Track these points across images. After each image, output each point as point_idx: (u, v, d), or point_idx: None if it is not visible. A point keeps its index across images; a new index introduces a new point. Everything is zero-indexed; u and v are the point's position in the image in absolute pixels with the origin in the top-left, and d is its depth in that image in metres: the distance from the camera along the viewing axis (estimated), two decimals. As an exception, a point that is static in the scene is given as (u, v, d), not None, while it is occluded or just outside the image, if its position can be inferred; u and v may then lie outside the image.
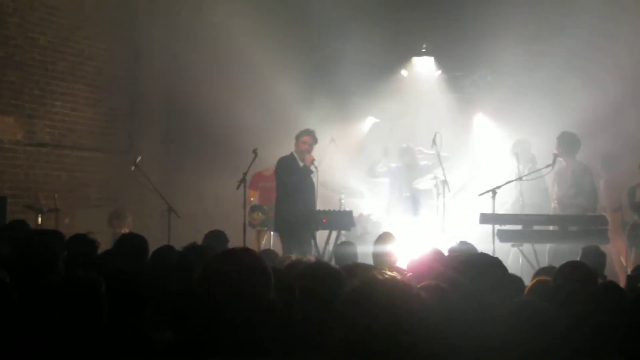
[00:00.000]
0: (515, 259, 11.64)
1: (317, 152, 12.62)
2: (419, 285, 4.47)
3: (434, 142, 12.44)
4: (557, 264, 7.03)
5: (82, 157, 15.13)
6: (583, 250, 8.87)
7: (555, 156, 11.73)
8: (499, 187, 11.41)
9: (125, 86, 16.40)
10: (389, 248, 8.64)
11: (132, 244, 7.60)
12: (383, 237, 8.94)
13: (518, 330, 4.34)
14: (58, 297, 4.37)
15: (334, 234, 11.90)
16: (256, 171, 14.07)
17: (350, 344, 3.28)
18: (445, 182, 12.35)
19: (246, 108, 15.77)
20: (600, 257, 8.65)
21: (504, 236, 11.10)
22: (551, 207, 12.35)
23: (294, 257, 7.56)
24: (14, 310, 4.62)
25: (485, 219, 11.11)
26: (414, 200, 13.38)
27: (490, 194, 11.31)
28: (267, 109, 16.24)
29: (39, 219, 12.53)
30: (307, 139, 12.29)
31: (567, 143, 11.99)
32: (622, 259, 12.40)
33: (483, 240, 10.71)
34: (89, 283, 4.47)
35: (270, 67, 15.38)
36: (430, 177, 13.10)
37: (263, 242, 14.10)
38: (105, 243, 10.08)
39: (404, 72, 16.41)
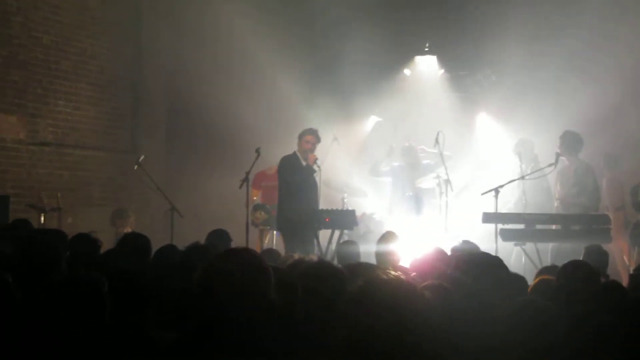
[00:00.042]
0: (518, 258, 11.63)
1: (319, 150, 12.61)
2: (422, 285, 4.48)
3: (436, 141, 12.43)
4: (560, 263, 7.04)
5: (84, 156, 15.14)
6: (586, 249, 8.85)
7: (558, 155, 11.72)
8: (501, 186, 11.40)
9: (128, 85, 16.41)
10: (391, 247, 8.63)
11: (134, 243, 7.60)
12: (386, 237, 8.93)
13: (520, 330, 4.34)
14: (60, 297, 4.37)
15: (337, 233, 11.89)
16: (259, 170, 14.06)
17: (354, 343, 3.29)
18: (448, 181, 12.35)
19: (249, 107, 15.78)
20: (603, 256, 8.63)
21: (506, 235, 11.09)
22: (554, 206, 12.35)
23: (296, 256, 7.56)
24: (16, 310, 4.63)
25: (487, 218, 11.10)
26: (417, 199, 13.39)
27: (492, 193, 11.30)
28: (270, 108, 16.26)
29: (42, 218, 12.54)
30: (310, 138, 12.28)
31: (570, 142, 11.99)
32: (625, 258, 12.40)
33: (486, 240, 10.71)
34: (91, 282, 4.47)
35: (272, 66, 15.41)
36: (433, 176, 13.09)
37: (266, 241, 14.10)
38: (107, 242, 10.09)
39: (406, 71, 16.40)
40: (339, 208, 12.84)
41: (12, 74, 13.64)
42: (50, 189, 13.91)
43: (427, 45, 16.21)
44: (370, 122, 16.53)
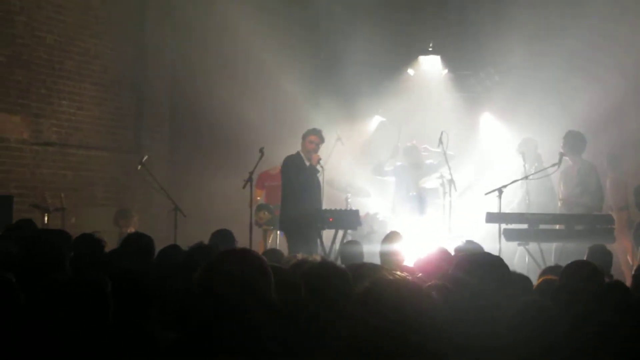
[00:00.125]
0: (522, 258, 11.63)
1: (323, 150, 12.60)
2: (426, 285, 4.47)
3: (440, 141, 12.42)
4: (564, 263, 7.04)
5: (88, 156, 15.15)
6: (589, 249, 8.85)
7: (562, 155, 11.71)
8: (505, 186, 11.39)
9: (132, 85, 16.43)
10: (396, 247, 8.62)
11: (138, 243, 7.59)
12: (390, 237, 8.92)
13: (522, 329, 4.34)
14: (64, 297, 4.38)
15: (340, 233, 11.90)
16: (263, 170, 14.06)
17: (360, 343, 3.30)
18: (451, 181, 12.33)
19: (253, 107, 15.79)
20: (607, 256, 8.63)
21: (510, 235, 11.09)
22: (557, 206, 12.35)
23: (299, 256, 7.56)
24: (19, 310, 4.63)
25: (491, 218, 11.10)
26: (420, 199, 13.37)
27: (496, 193, 11.30)
28: (274, 108, 16.26)
29: (46, 218, 12.55)
30: (313, 138, 12.26)
31: (573, 142, 11.99)
32: (629, 258, 12.39)
33: (489, 240, 10.70)
34: (94, 283, 4.48)
35: (276, 66, 15.41)
36: (436, 176, 13.07)
37: (269, 241, 14.09)
38: (111, 242, 10.10)
39: (410, 71, 16.39)
40: (343, 208, 12.82)
41: (16, 73, 13.66)
42: (53, 189, 13.93)
43: (430, 45, 16.20)
44: (374, 122, 16.51)
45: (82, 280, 4.55)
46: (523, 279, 6.13)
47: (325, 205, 12.32)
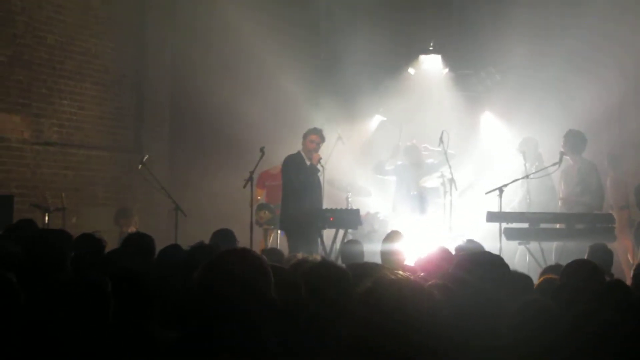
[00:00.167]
0: (522, 257, 11.64)
1: (324, 150, 12.61)
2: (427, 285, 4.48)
3: (441, 140, 12.42)
4: (564, 262, 7.04)
5: (89, 156, 15.16)
6: (590, 248, 8.84)
7: (562, 154, 11.72)
8: (505, 185, 11.39)
9: (132, 85, 16.44)
10: (397, 246, 8.62)
11: (138, 243, 7.59)
12: (391, 236, 8.92)
13: (523, 329, 4.34)
14: (64, 297, 4.38)
15: (341, 232, 11.90)
16: (263, 170, 14.06)
17: (363, 342, 3.31)
18: (452, 180, 12.32)
19: (253, 106, 15.78)
20: (608, 255, 8.63)
21: (510, 234, 11.09)
22: (558, 205, 12.37)
23: (300, 255, 7.56)
24: (20, 310, 4.63)
25: (492, 217, 11.10)
26: (421, 198, 13.37)
27: (497, 192, 11.30)
28: (275, 107, 16.25)
29: (46, 218, 12.55)
30: (314, 137, 12.27)
31: (574, 141, 12.00)
32: (629, 257, 12.39)
33: (490, 239, 10.70)
34: (95, 283, 4.48)
35: (277, 65, 15.40)
36: (437, 175, 13.07)
37: (270, 240, 14.10)
38: (112, 242, 10.11)
39: (411, 70, 16.38)
40: (343, 207, 12.82)
41: (17, 73, 13.66)
42: (54, 188, 13.93)
43: (431, 44, 16.19)
44: (375, 121, 16.49)
45: (83, 280, 4.55)
46: (524, 278, 6.13)
47: (325, 205, 12.33)
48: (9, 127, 13.51)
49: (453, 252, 7.59)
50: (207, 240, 7.89)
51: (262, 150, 12.03)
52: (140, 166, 12.79)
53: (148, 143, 16.31)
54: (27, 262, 6.24)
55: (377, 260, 8.18)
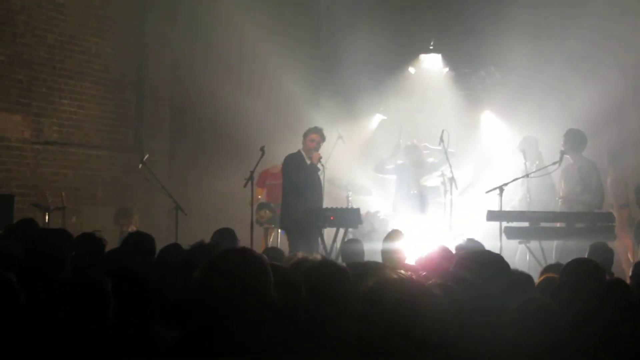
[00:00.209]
0: (523, 256, 11.65)
1: (324, 148, 12.62)
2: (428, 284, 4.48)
3: (441, 139, 12.42)
4: (564, 261, 7.05)
5: (89, 155, 15.16)
6: (591, 246, 8.85)
7: (562, 153, 11.72)
8: (506, 184, 11.40)
9: (133, 84, 16.43)
10: (398, 245, 8.63)
11: (139, 242, 7.59)
12: (392, 235, 8.93)
13: (523, 328, 4.34)
14: (64, 297, 4.37)
15: (341, 231, 11.90)
16: (263, 169, 14.08)
17: (365, 341, 3.33)
18: (452, 180, 12.33)
19: (254, 106, 15.80)
20: (608, 253, 8.63)
21: (511, 233, 11.09)
22: (558, 204, 12.38)
23: (300, 255, 7.56)
24: (20, 310, 4.63)
25: (492, 216, 11.10)
26: (421, 197, 13.37)
27: (497, 191, 11.30)
28: (275, 106, 16.27)
29: (46, 217, 12.55)
30: (314, 136, 12.27)
31: (574, 140, 12.00)
32: (630, 256, 12.39)
33: (490, 238, 10.70)
34: (95, 282, 4.47)
35: (277, 65, 15.42)
36: (437, 174, 13.07)
37: (270, 239, 14.11)
38: (112, 241, 10.12)
39: (411, 70, 16.40)
40: (344, 206, 12.83)
41: (17, 73, 13.67)
42: (54, 188, 13.93)
43: (431, 43, 16.21)
44: (375, 120, 16.52)
45: (82, 279, 4.55)
46: (524, 277, 6.12)
47: (326, 204, 12.33)
48: (9, 127, 13.51)
49: (453, 251, 7.59)
50: (207, 240, 7.89)
51: (262, 149, 12.03)
52: (140, 165, 12.79)
53: (148, 142, 16.31)
54: (27, 261, 6.24)
55: (378, 259, 8.19)
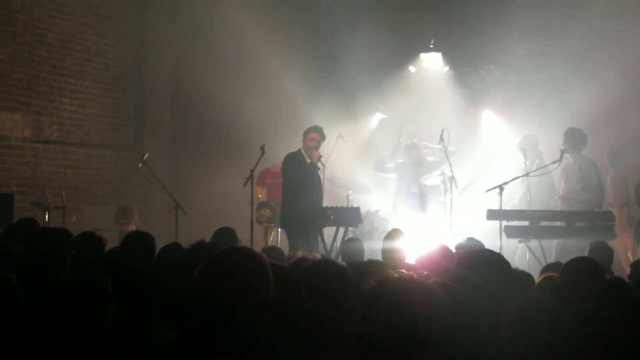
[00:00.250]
0: (523, 255, 11.65)
1: (324, 148, 12.62)
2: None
3: (441, 138, 12.42)
4: (564, 260, 7.05)
5: (89, 154, 15.16)
6: (591, 245, 8.84)
7: (562, 152, 11.72)
8: (506, 183, 11.40)
9: (133, 83, 16.44)
10: (398, 244, 8.64)
11: (139, 241, 7.58)
12: (392, 234, 8.94)
13: (522, 326, 4.34)
14: (64, 296, 4.38)
15: (341, 230, 11.91)
16: (263, 168, 14.08)
17: (368, 340, 3.35)
18: (452, 179, 12.33)
19: (254, 105, 15.81)
20: (608, 253, 8.62)
21: (511, 232, 11.09)
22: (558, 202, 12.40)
23: (299, 254, 7.56)
24: (20, 310, 4.63)
25: (492, 215, 11.10)
26: (421, 196, 13.37)
27: (497, 190, 11.30)
28: (275, 105, 16.27)
29: (46, 217, 12.55)
30: (314, 135, 12.27)
31: (573, 139, 12.00)
32: (629, 255, 12.39)
33: (490, 237, 10.70)
34: (95, 282, 4.47)
35: (278, 64, 15.42)
36: (437, 173, 13.07)
37: (270, 238, 14.11)
38: (112, 240, 10.11)
39: (411, 68, 16.40)
40: (344, 205, 12.83)
41: (17, 71, 13.66)
42: (54, 187, 13.92)
43: (431, 42, 16.20)
44: (375, 119, 16.52)
45: (83, 279, 4.55)
46: (525, 276, 6.13)
47: (326, 203, 12.34)
48: (9, 125, 13.51)
49: (453, 250, 7.60)
50: (207, 239, 7.89)
51: (262, 148, 12.03)
52: (140, 164, 12.78)
53: (148, 141, 16.31)
54: (27, 261, 6.24)
55: (378, 258, 8.19)
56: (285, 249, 10.61)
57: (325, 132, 12.44)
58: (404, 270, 4.35)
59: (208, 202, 15.68)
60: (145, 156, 12.88)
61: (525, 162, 12.23)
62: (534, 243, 11.19)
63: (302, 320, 4.74)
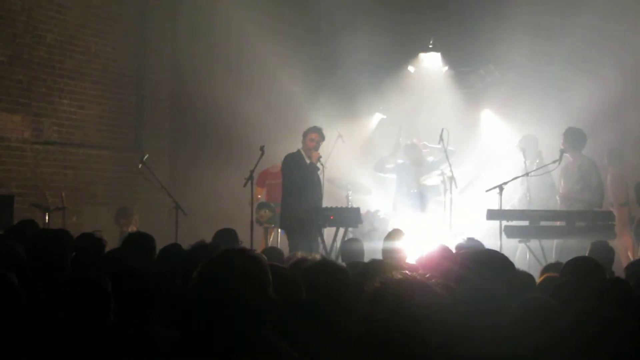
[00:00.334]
0: (523, 255, 11.64)
1: (324, 148, 12.61)
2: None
3: (441, 138, 12.41)
4: (564, 259, 7.04)
5: (89, 155, 15.17)
6: (592, 245, 8.84)
7: (562, 152, 11.72)
8: (506, 183, 11.39)
9: (133, 84, 16.44)
10: (399, 245, 8.64)
11: (139, 242, 7.59)
12: (393, 234, 8.95)
13: (522, 327, 4.34)
14: (65, 296, 4.38)
15: (341, 230, 11.90)
16: (263, 168, 14.07)
17: (372, 339, 3.36)
18: (452, 178, 12.32)
19: (254, 105, 15.80)
20: (609, 252, 8.62)
21: (511, 232, 11.09)
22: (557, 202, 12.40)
23: (299, 254, 7.56)
24: (21, 310, 4.64)
25: (492, 215, 11.10)
26: (421, 196, 13.37)
27: (497, 189, 11.30)
28: (275, 105, 16.26)
29: (46, 218, 12.55)
30: (314, 136, 12.27)
31: (573, 138, 12.00)
32: (630, 254, 12.38)
33: (490, 237, 10.70)
34: (95, 282, 4.48)
35: (277, 64, 15.42)
36: (437, 173, 13.07)
37: (270, 239, 14.10)
38: (112, 241, 10.11)
39: (410, 68, 16.38)
40: (344, 206, 12.83)
41: (17, 73, 13.68)
42: (54, 188, 13.94)
43: (431, 42, 16.19)
44: (375, 119, 16.50)
45: (83, 279, 4.55)
46: (526, 276, 6.13)
47: (326, 203, 12.33)
48: (9, 127, 13.52)
49: (453, 251, 7.59)
50: (208, 239, 7.88)
51: (262, 149, 12.02)
52: (140, 165, 12.77)
53: (148, 142, 16.32)
54: (28, 262, 6.24)
55: (378, 258, 8.19)
56: (285, 250, 10.62)
57: (325, 132, 12.44)
58: (407, 271, 4.35)
59: (208, 202, 15.67)
60: (145, 157, 12.88)
61: (525, 162, 12.23)
62: (534, 243, 11.19)
63: (302, 320, 4.74)
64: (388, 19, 15.81)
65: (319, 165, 12.19)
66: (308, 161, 12.16)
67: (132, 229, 12.95)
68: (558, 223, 11.52)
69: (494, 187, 11.35)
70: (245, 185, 11.97)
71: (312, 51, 16.61)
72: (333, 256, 11.00)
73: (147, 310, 4.74)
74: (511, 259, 5.23)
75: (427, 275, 5.82)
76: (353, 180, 14.25)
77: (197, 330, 3.73)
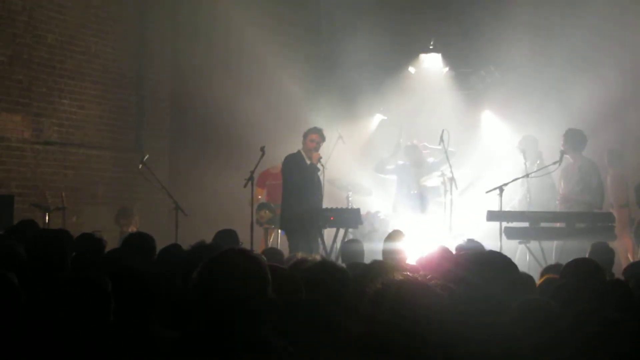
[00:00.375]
0: (523, 257, 11.63)
1: (324, 149, 12.61)
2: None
3: (441, 138, 12.41)
4: (564, 261, 7.03)
5: (89, 155, 15.16)
6: (592, 246, 8.85)
7: (562, 153, 11.72)
8: (506, 184, 11.39)
9: (133, 84, 16.44)
10: (399, 246, 8.63)
11: (139, 242, 7.58)
12: (393, 235, 8.94)
13: (522, 327, 4.33)
14: (65, 297, 4.38)
15: (342, 231, 11.90)
16: (264, 169, 14.07)
17: (373, 340, 3.37)
18: (452, 180, 12.32)
19: (254, 106, 15.80)
20: (609, 254, 8.61)
21: (511, 233, 11.09)
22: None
23: (299, 255, 7.56)
24: (21, 310, 4.63)
25: (492, 216, 11.10)
26: (422, 197, 13.37)
27: (497, 191, 11.30)
28: (275, 106, 16.26)
29: (46, 218, 12.55)
30: (314, 137, 12.27)
31: (573, 139, 12.00)
32: (630, 256, 12.38)
33: (490, 238, 10.70)
34: (95, 282, 4.48)
35: (277, 65, 15.41)
36: (437, 174, 13.07)
37: (270, 240, 14.10)
38: (112, 241, 10.11)
39: (411, 69, 16.38)
40: (344, 206, 12.82)
41: (17, 73, 13.67)
42: (54, 188, 13.94)
43: (431, 43, 16.19)
44: (375, 120, 16.50)
45: (83, 279, 4.55)
46: (526, 278, 6.12)
47: (326, 204, 12.32)
48: (9, 127, 13.52)
49: (453, 252, 7.59)
50: (208, 240, 7.88)
51: (262, 149, 12.01)
52: (140, 165, 12.77)
53: (148, 142, 16.32)
54: (28, 262, 6.24)
55: (378, 259, 8.18)
56: (285, 251, 10.62)
57: (325, 133, 12.43)
58: (408, 272, 4.35)
59: (208, 203, 15.66)
60: (145, 157, 12.87)
61: (525, 163, 12.22)
62: (534, 244, 11.19)
63: (302, 320, 4.74)
64: (388, 19, 15.81)
65: (319, 166, 12.19)
66: (308, 162, 12.16)
67: (132, 229, 12.95)
68: (558, 224, 11.52)
69: (494, 189, 11.35)
70: (245, 185, 11.97)
71: (312, 51, 16.61)
72: (333, 257, 11.00)
73: (147, 310, 4.74)
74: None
75: (428, 277, 5.84)
76: (353, 181, 14.24)
77: (197, 330, 3.73)
